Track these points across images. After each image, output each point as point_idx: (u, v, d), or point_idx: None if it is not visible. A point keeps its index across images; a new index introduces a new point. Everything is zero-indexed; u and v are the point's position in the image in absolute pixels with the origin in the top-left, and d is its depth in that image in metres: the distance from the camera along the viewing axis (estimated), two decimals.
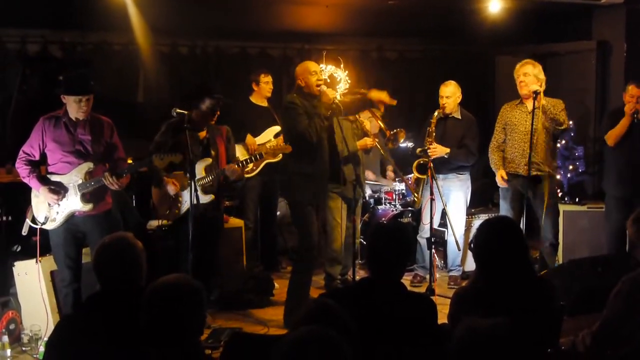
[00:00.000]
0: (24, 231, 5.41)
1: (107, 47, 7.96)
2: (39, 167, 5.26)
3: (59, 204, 5.17)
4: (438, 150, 6.69)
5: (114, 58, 7.98)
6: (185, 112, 5.42)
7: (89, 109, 5.20)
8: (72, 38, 7.80)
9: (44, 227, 5.24)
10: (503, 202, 6.61)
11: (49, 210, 5.21)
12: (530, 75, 6.34)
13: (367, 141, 6.68)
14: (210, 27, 8.23)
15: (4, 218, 6.26)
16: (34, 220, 5.26)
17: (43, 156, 5.23)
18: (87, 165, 5.19)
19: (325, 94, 5.69)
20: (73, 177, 5.18)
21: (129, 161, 5.91)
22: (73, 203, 5.18)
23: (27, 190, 5.33)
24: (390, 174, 7.91)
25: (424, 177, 6.77)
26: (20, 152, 5.23)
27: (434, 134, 6.70)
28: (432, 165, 6.53)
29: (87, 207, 5.19)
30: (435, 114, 6.75)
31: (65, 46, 7.75)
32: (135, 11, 7.17)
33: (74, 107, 5.14)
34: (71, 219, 5.23)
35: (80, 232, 5.26)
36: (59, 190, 5.15)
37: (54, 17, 7.32)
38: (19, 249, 5.97)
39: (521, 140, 6.37)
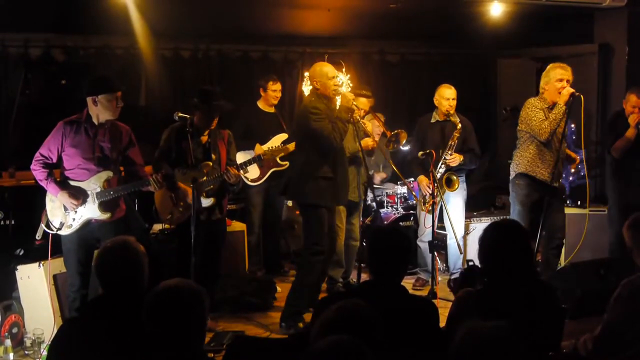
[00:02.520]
0: (38, 236, 5.38)
1: (110, 51, 7.97)
2: (56, 169, 5.22)
3: (76, 211, 5.12)
4: (456, 160, 6.70)
5: (116, 62, 7.99)
6: (188, 117, 5.43)
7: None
8: (74, 42, 7.81)
9: (58, 232, 5.19)
10: (521, 208, 6.27)
11: (64, 216, 5.15)
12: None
13: (369, 142, 6.67)
14: (212, 31, 8.24)
15: (7, 222, 6.27)
16: (48, 225, 5.22)
17: (59, 160, 5.17)
18: (107, 174, 5.15)
19: (345, 97, 5.73)
20: (91, 185, 5.13)
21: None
22: (90, 211, 5.13)
23: (30, 193, 5.33)
24: (377, 177, 7.88)
25: (453, 189, 6.77)
26: (37, 154, 5.14)
27: (455, 146, 6.70)
28: (433, 170, 6.53)
29: (105, 216, 5.15)
30: (458, 126, 6.72)
31: (67, 50, 7.77)
32: (137, 15, 7.17)
33: (108, 107, 5.10)
34: (86, 226, 5.18)
35: (94, 238, 5.19)
36: (78, 195, 5.09)
37: (56, 22, 7.33)
38: (21, 252, 5.97)
39: (556, 148, 6.17)
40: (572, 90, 5.98)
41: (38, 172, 5.12)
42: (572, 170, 6.57)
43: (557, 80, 6.08)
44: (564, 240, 6.59)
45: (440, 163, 6.71)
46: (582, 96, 5.99)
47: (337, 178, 5.84)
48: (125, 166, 5.36)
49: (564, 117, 6.00)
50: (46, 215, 5.23)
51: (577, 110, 6.17)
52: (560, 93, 6.02)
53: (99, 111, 5.13)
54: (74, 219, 5.14)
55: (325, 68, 5.86)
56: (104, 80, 5.25)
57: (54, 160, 5.14)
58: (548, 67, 6.27)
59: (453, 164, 6.68)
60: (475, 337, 2.39)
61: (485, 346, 2.36)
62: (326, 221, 5.82)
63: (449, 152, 6.67)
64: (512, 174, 6.38)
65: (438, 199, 6.60)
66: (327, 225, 5.84)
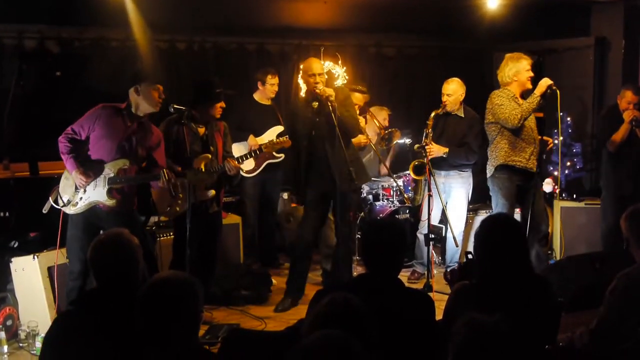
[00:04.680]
0: (45, 209, 5.38)
1: (105, 43, 7.93)
2: (80, 150, 5.22)
3: (85, 190, 5.17)
4: (435, 151, 6.63)
5: (112, 54, 7.94)
6: (184, 108, 5.43)
7: None
8: (69, 34, 7.77)
9: (63, 209, 5.23)
10: (505, 201, 6.29)
11: (73, 195, 5.21)
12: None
13: (361, 139, 6.71)
14: (208, 23, 8.21)
15: (1, 214, 6.25)
16: (56, 201, 5.26)
17: (87, 140, 5.20)
18: (123, 162, 5.20)
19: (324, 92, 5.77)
20: (106, 170, 5.18)
21: None
22: (98, 194, 5.17)
23: (25, 186, 5.30)
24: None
25: (421, 178, 6.73)
26: (69, 128, 5.20)
27: (431, 134, 6.66)
28: (429, 163, 6.50)
29: (111, 202, 5.18)
30: (432, 114, 6.68)
31: (62, 42, 7.73)
32: (133, 7, 7.15)
33: (150, 97, 5.22)
34: (93, 210, 5.22)
35: (100, 226, 5.22)
36: (90, 173, 5.13)
37: (51, 13, 7.30)
38: (16, 244, 5.96)
39: (529, 135, 6.24)
40: (550, 81, 6.03)
41: (62, 144, 5.17)
42: (548, 149, 6.52)
43: (527, 70, 6.20)
44: (549, 230, 6.62)
45: (419, 147, 6.68)
46: (558, 91, 6.01)
47: (304, 168, 6.05)
48: (148, 165, 5.42)
49: (537, 106, 6.08)
50: (57, 191, 5.28)
51: (565, 103, 6.21)
52: (529, 80, 6.16)
53: (140, 101, 5.24)
54: (81, 198, 5.19)
55: (306, 65, 5.99)
56: (146, 71, 5.58)
57: (82, 138, 5.20)
58: (507, 59, 6.34)
59: (431, 155, 6.61)
60: (477, 331, 2.38)
61: (487, 340, 2.35)
62: (309, 206, 6.19)
63: (426, 142, 6.63)
64: (491, 170, 6.40)
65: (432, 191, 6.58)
66: (308, 209, 6.20)
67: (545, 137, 6.31)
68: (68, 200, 5.21)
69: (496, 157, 6.31)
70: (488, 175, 6.43)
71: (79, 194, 5.20)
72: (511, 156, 6.22)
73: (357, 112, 6.71)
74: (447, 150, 6.68)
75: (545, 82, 6.03)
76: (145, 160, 5.40)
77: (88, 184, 5.15)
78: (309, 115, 5.95)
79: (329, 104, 5.67)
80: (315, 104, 5.87)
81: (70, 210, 5.22)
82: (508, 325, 2.40)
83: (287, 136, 6.19)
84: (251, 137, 7.01)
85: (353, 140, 6.63)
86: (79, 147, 5.20)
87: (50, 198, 5.32)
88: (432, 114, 6.68)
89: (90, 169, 5.16)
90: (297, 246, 6.28)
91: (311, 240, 6.23)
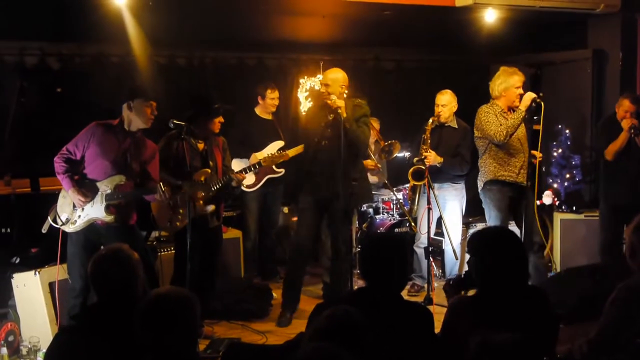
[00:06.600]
0: (44, 229, 5.42)
1: (105, 58, 7.96)
2: (76, 169, 5.25)
3: (83, 208, 5.19)
4: (432, 157, 6.67)
5: (112, 70, 7.97)
6: (183, 124, 5.46)
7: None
8: (69, 50, 7.79)
9: (62, 228, 5.25)
10: (498, 212, 6.33)
11: (71, 213, 5.23)
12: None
13: (369, 163, 6.73)
14: (207, 38, 8.25)
15: (2, 230, 6.26)
16: (55, 220, 5.29)
17: (82, 159, 5.23)
18: (120, 178, 5.22)
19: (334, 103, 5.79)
20: (103, 186, 5.21)
21: None
22: (96, 211, 5.20)
23: (26, 202, 5.31)
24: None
25: (420, 183, 6.76)
26: (64, 148, 5.23)
27: (429, 141, 6.69)
28: (428, 174, 6.52)
29: (109, 219, 5.20)
30: (430, 121, 6.73)
31: (63, 58, 7.74)
32: (133, 23, 7.18)
33: (142, 113, 5.26)
34: (92, 227, 5.24)
35: (100, 242, 5.24)
36: (87, 193, 5.16)
37: (51, 30, 7.33)
38: (17, 260, 5.97)
39: (517, 148, 6.26)
40: (533, 95, 6.05)
41: (58, 164, 5.21)
42: (534, 161, 6.46)
43: (517, 88, 6.21)
44: (544, 241, 6.62)
45: (418, 160, 6.71)
46: (542, 102, 6.02)
47: (306, 178, 6.06)
48: (142, 179, 5.43)
49: (522, 122, 6.12)
50: (55, 210, 5.31)
51: (563, 115, 6.21)
52: (518, 98, 6.15)
53: (133, 117, 5.28)
54: (79, 216, 5.22)
55: (323, 75, 6.06)
56: (139, 87, 5.57)
57: (78, 157, 5.23)
58: (501, 72, 6.35)
59: (427, 162, 6.62)
60: (491, 353, 2.39)
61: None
62: (301, 214, 6.16)
63: (424, 148, 6.67)
64: (481, 184, 6.44)
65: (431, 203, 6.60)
66: (301, 218, 6.16)
67: (533, 151, 6.31)
68: (67, 218, 5.24)
69: (486, 173, 6.37)
70: (479, 188, 6.49)
71: (77, 211, 5.23)
72: (500, 171, 6.27)
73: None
74: (441, 160, 6.71)
75: (529, 96, 6.06)
76: (140, 175, 5.42)
77: (86, 204, 5.18)
78: (321, 125, 5.97)
79: (338, 115, 5.71)
80: (332, 116, 5.88)
81: (69, 228, 5.24)
82: (522, 345, 2.40)
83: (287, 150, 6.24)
84: (254, 155, 7.02)
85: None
86: (74, 166, 5.24)
87: (49, 217, 5.34)
88: (430, 121, 6.73)
89: (87, 188, 5.19)
90: (292, 255, 6.28)
91: (307, 248, 6.20)
